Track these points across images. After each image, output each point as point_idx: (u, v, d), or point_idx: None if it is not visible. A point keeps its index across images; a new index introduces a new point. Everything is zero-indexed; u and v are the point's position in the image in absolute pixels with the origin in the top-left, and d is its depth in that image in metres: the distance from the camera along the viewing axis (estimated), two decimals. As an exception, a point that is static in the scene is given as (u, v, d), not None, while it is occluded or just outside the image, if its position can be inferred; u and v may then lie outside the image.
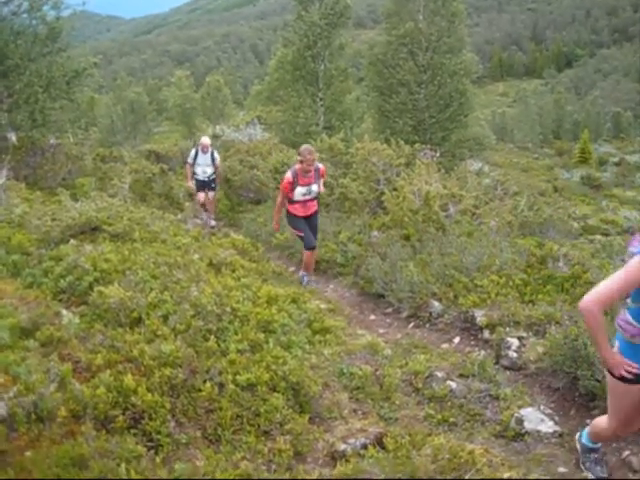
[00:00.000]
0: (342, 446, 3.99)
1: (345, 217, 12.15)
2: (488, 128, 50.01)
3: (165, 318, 5.01)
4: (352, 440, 4.08)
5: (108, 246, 7.18)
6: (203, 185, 14.09)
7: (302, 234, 8.91)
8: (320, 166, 9.04)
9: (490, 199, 12.87)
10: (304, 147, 8.82)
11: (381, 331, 7.21)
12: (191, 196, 16.75)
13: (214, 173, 14.15)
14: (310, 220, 9.07)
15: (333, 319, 6.71)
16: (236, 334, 4.91)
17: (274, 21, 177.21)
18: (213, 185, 14.29)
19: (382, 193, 11.90)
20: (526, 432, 4.62)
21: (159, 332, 4.68)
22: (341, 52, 29.86)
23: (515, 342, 6.05)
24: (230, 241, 10.05)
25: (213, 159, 13.93)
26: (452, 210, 11.06)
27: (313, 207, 9.09)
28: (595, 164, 50.19)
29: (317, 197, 9.18)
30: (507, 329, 6.29)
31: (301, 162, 8.57)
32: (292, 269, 9.96)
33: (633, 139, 77.72)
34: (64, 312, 5.22)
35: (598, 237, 17.58)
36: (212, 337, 4.71)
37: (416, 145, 15.26)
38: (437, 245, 8.80)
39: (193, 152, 13.99)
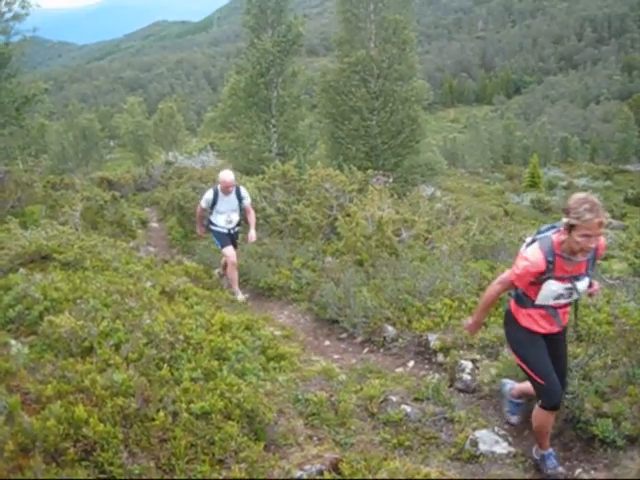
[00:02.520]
0: (298, 473, 3.96)
1: (299, 243, 12.15)
2: (440, 154, 50.61)
3: (117, 347, 4.94)
4: (308, 467, 4.05)
5: (59, 275, 7.07)
6: (230, 238, 9.77)
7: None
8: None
9: (442, 223, 13.01)
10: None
11: (336, 357, 7.21)
12: (144, 224, 16.59)
13: (240, 220, 10.06)
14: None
15: (288, 345, 6.70)
16: (189, 362, 4.86)
17: (227, 48, 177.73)
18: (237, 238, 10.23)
19: (335, 219, 11.96)
20: (481, 454, 4.66)
21: (111, 361, 4.60)
22: (294, 79, 30.06)
23: (469, 365, 6.11)
24: (183, 268, 9.99)
25: (241, 200, 9.69)
26: (405, 235, 11.16)
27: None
28: (544, 188, 51.18)
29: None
30: (461, 352, 6.35)
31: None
32: (246, 296, 9.91)
33: (580, 163, 79.52)
34: (13, 342, 5.12)
35: (548, 260, 17.84)
36: (165, 365, 4.66)
37: (369, 171, 15.41)
38: (390, 270, 8.86)
39: (210, 194, 9.55)
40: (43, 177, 21.08)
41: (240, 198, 9.64)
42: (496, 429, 5.00)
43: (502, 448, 4.70)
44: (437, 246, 11.02)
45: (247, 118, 29.40)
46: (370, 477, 3.91)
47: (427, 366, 6.66)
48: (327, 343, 7.80)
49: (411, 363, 6.79)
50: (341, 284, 8.50)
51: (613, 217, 36.82)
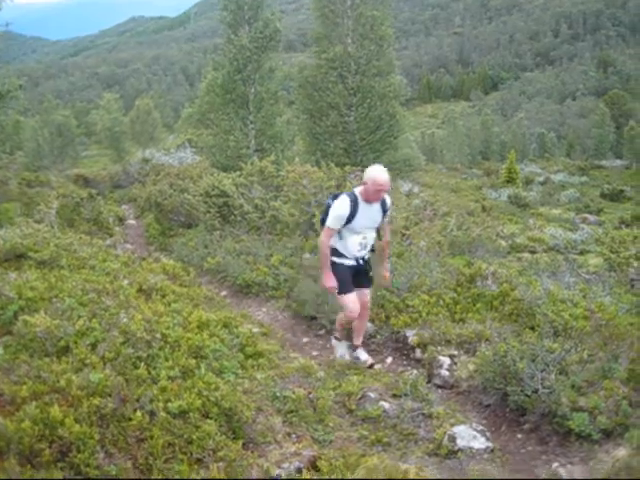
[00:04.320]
0: (277, 471, 3.96)
1: (277, 240, 12.14)
2: (418, 149, 50.92)
3: (93, 346, 4.90)
4: (286, 464, 4.05)
5: (34, 273, 7.01)
6: (357, 273, 6.50)
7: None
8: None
9: (420, 219, 13.07)
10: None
11: (314, 353, 7.22)
12: (121, 221, 16.48)
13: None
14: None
15: (266, 343, 6.69)
16: (167, 360, 4.83)
17: (204, 44, 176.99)
18: (371, 273, 6.73)
19: (313, 215, 11.94)
20: (459, 449, 4.67)
21: (87, 361, 4.56)
22: (271, 75, 29.95)
23: (447, 361, 6.14)
24: (160, 266, 9.93)
25: (385, 212, 6.49)
26: (383, 231, 11.17)
27: None
28: (522, 183, 51.40)
29: None
30: (438, 348, 6.37)
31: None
32: (223, 293, 9.88)
33: (557, 159, 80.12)
34: (-13, 343, 5.07)
35: (526, 255, 18.00)
36: (142, 364, 4.63)
37: (347, 167, 15.38)
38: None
39: (346, 205, 6.19)
40: (18, 174, 20.91)
41: (385, 209, 6.43)
42: (474, 425, 5.02)
43: (480, 443, 4.72)
44: (415, 242, 11.06)
45: (224, 114, 29.26)
46: (348, 474, 3.91)
47: (405, 362, 6.68)
48: (305, 340, 7.80)
49: (389, 359, 6.81)
50: (319, 281, 8.49)
51: (589, 212, 37.12)
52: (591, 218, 34.13)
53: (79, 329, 5.14)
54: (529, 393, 4.91)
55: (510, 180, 51.26)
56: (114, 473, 3.57)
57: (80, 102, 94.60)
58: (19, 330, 5.20)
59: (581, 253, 20.85)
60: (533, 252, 19.85)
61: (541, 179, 58.04)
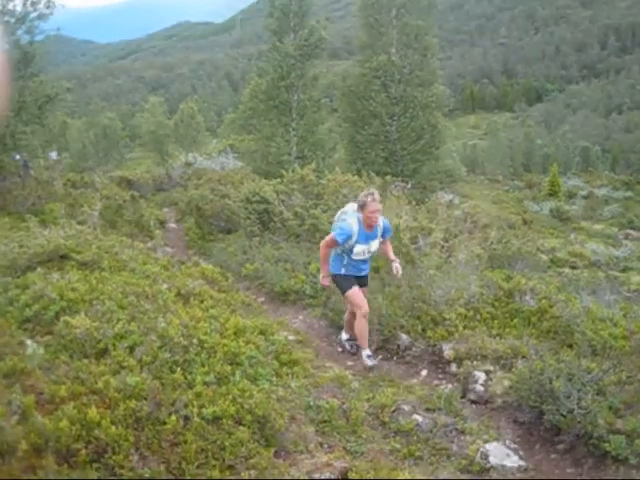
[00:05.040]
0: (308, 481, 3.98)
1: (315, 248, 12.14)
2: (459, 160, 50.51)
3: (131, 349, 4.97)
4: (317, 475, 4.06)
5: (76, 275, 7.13)
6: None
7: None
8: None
9: (460, 231, 12.97)
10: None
11: (349, 363, 7.21)
12: (162, 224, 16.66)
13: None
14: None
15: (301, 351, 6.71)
16: (203, 366, 4.88)
17: (249, 50, 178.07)
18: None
19: (353, 225, 11.94)
20: (491, 467, 4.64)
21: (125, 364, 4.64)
22: (315, 83, 30.10)
23: (482, 376, 6.09)
24: (199, 270, 10.01)
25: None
26: (422, 243, 11.13)
27: None
28: (564, 197, 50.81)
29: None
30: (474, 363, 6.33)
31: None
32: (261, 300, 9.93)
33: (601, 173, 78.91)
34: (29, 342, 5.17)
35: (566, 270, 17.77)
36: (178, 369, 4.68)
37: (387, 177, 15.40)
38: (406, 278, 8.84)
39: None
40: (63, 175, 21.27)
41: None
42: (507, 442, 4.98)
43: (512, 462, 4.68)
44: (454, 255, 10.99)
45: (267, 121, 29.48)
46: (379, 487, 3.91)
47: (440, 376, 6.64)
48: (340, 349, 7.80)
49: (424, 372, 6.78)
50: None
51: (633, 228, 36.49)
52: (635, 234, 33.54)
53: (118, 332, 5.22)
54: (565, 413, 4.85)
55: (552, 193, 50.66)
56: (147, 476, 3.62)
57: (126, 105, 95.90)
58: (60, 331, 5.30)
59: (623, 270, 20.51)
60: (574, 267, 19.62)
61: (584, 193, 57.23)
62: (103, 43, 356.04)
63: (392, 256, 7.33)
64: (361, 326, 6.94)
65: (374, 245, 7.06)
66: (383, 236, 7.15)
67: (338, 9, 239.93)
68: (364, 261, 7.18)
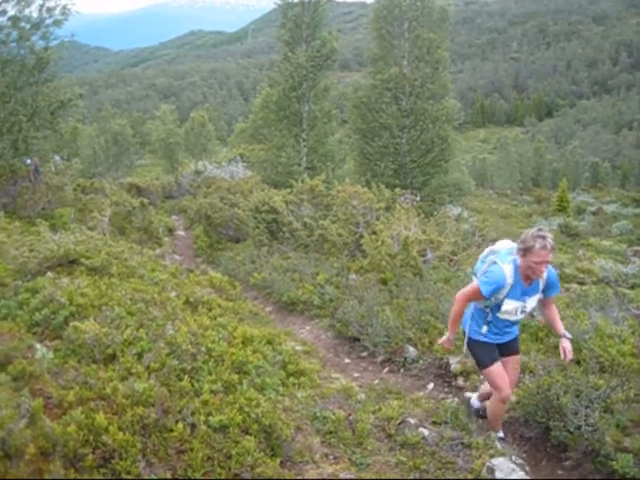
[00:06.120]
0: (313, 491, 3.98)
1: (324, 259, 12.18)
2: (468, 174, 50.53)
3: (140, 356, 4.99)
4: (322, 486, 4.07)
5: (85, 280, 7.16)
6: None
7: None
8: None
9: (468, 245, 12.97)
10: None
11: (355, 375, 7.21)
12: (170, 231, 16.70)
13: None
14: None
15: (308, 361, 6.72)
16: (210, 374, 4.89)
17: (261, 60, 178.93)
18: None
19: (361, 236, 11.97)
20: (497, 482, 4.62)
21: (133, 370, 4.66)
22: (326, 94, 30.17)
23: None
24: (208, 279, 10.04)
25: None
26: (430, 256, 11.14)
27: None
28: (573, 213, 50.73)
29: None
30: (481, 377, 6.31)
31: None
32: (268, 309, 9.94)
33: (610, 189, 78.79)
34: (38, 346, 5.19)
35: (574, 286, 17.71)
36: (186, 377, 4.70)
37: (397, 189, 15.41)
38: (414, 290, 8.85)
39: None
40: (74, 180, 21.36)
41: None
42: (513, 457, 4.96)
43: (518, 477, 4.66)
44: (462, 268, 10.99)
45: (277, 131, 29.55)
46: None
47: (447, 389, 6.64)
48: (347, 361, 7.80)
49: (431, 385, 6.77)
50: (364, 302, 8.50)
51: (642, 245, 36.37)
52: (643, 251, 33.40)
53: (126, 338, 5.24)
54: (572, 429, 4.84)
55: (561, 209, 50.58)
56: (154, 483, 3.63)
57: (137, 112, 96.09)
58: (69, 335, 5.32)
59: (632, 287, 20.39)
60: (582, 283, 19.53)
61: (593, 209, 57.16)
62: (116, 50, 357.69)
63: (560, 327, 5.15)
64: (497, 410, 5.33)
65: (531, 303, 5.09)
66: (546, 293, 5.13)
67: (349, 21, 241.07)
68: (514, 323, 5.24)
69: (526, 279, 4.94)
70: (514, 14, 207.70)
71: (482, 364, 5.21)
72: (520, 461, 4.93)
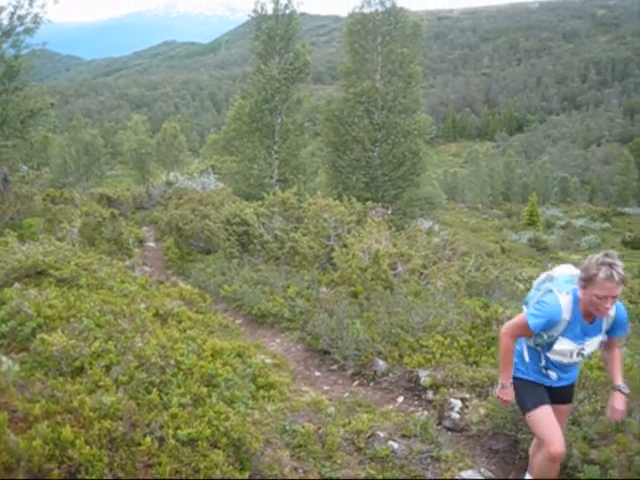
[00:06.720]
0: (281, 506, 3.96)
1: (294, 271, 12.17)
2: (440, 187, 50.92)
3: (108, 369, 4.94)
4: (291, 500, 4.05)
5: (53, 291, 7.08)
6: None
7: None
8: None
9: (439, 259, 13.04)
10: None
11: (325, 388, 7.20)
12: (141, 243, 16.57)
13: None
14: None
15: (278, 374, 6.70)
16: (179, 387, 4.86)
17: (234, 71, 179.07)
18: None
19: (332, 249, 11.99)
20: (466, 495, 4.64)
21: (101, 383, 4.61)
22: (298, 106, 30.27)
23: (458, 403, 6.10)
24: (178, 291, 9.99)
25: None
26: (400, 269, 11.19)
27: None
28: (542, 227, 51.35)
29: None
30: (451, 390, 6.35)
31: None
32: (238, 322, 9.90)
33: (579, 204, 79.85)
34: (4, 358, 5.11)
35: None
36: (154, 390, 4.66)
37: (368, 203, 15.47)
38: (384, 304, 8.88)
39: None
40: (43, 190, 21.14)
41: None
42: (482, 470, 4.99)
43: (487, 490, 4.69)
44: (432, 282, 11.04)
45: (250, 143, 29.57)
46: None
47: (416, 402, 6.65)
48: (317, 374, 7.79)
49: (400, 399, 6.78)
50: (334, 315, 8.50)
51: (609, 260, 36.81)
52: (611, 266, 33.80)
53: (95, 350, 5.19)
54: (539, 443, 4.87)
55: (531, 223, 51.20)
56: (121, 497, 3.59)
57: (108, 122, 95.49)
58: (36, 348, 5.25)
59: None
60: (550, 297, 19.70)
61: (562, 223, 57.92)
62: (88, 59, 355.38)
63: (618, 377, 4.17)
64: (546, 471, 4.15)
65: (592, 345, 4.13)
66: (610, 334, 4.19)
67: (323, 34, 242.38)
68: (570, 366, 4.26)
69: (587, 316, 4.01)
70: (486, 30, 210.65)
71: (526, 407, 4.21)
72: (489, 474, 4.96)
